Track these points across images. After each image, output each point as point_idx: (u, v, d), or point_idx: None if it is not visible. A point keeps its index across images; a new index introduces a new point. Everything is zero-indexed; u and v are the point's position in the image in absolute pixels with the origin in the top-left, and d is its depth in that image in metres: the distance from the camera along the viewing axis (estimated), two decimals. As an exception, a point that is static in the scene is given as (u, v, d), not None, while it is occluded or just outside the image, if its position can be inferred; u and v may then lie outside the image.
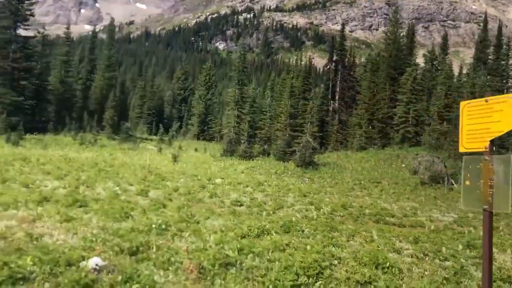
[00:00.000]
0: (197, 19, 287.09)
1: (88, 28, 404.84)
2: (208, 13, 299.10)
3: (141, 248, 6.19)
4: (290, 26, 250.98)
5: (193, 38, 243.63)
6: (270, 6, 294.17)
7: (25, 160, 21.45)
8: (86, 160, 24.33)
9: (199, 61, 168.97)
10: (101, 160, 24.98)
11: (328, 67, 54.91)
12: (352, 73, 54.54)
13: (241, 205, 15.56)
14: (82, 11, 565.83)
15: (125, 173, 20.67)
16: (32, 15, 46.75)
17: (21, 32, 46.12)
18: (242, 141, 39.94)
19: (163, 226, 7.78)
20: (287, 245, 7.10)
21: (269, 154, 39.37)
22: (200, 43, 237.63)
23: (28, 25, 46.31)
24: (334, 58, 53.48)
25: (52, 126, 46.29)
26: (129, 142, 45.30)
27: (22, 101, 42.68)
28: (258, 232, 8.24)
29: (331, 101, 52.03)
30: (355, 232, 10.49)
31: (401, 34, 51.09)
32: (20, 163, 20.53)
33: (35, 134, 40.89)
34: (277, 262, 6.00)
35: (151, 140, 54.32)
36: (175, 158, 32.29)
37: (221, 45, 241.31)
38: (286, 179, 26.02)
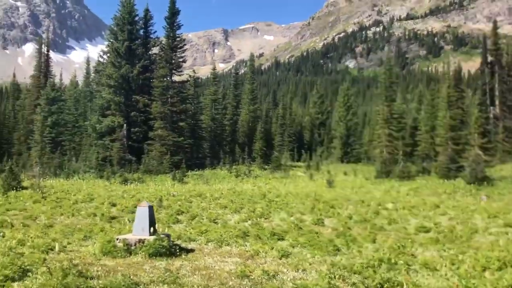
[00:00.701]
0: (324, 41, 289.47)
1: (222, 66, 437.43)
2: (334, 34, 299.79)
3: (385, 285, 5.91)
4: (425, 32, 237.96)
5: (322, 61, 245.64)
6: (400, 16, 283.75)
7: (201, 196, 23.23)
8: (252, 192, 25.44)
9: (330, 83, 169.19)
10: (266, 191, 25.88)
11: (482, 70, 49.92)
12: (512, 73, 48.68)
13: (427, 231, 14.51)
14: (216, 51, 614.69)
15: (293, 203, 21.03)
16: (184, 61, 51.54)
17: (175, 78, 51.20)
18: (397, 161, 37.98)
19: (392, 260, 7.41)
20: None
21: (430, 172, 36.64)
22: (329, 64, 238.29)
23: (180, 71, 51.12)
24: (489, 59, 48.47)
25: (208, 162, 49.64)
26: (279, 171, 46.54)
27: (182, 141, 46.73)
28: (499, 264, 7.38)
29: (491, 107, 46.95)
30: None
31: None
32: (197, 199, 22.31)
33: (196, 171, 44.10)
34: None
35: (298, 166, 55.08)
36: (330, 184, 32.05)
37: (351, 63, 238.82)
38: (460, 199, 23.76)
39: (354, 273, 6.57)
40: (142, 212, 9.18)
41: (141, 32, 50.22)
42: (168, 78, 48.63)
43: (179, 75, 51.25)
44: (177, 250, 8.96)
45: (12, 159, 44.13)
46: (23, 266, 7.32)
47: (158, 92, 46.33)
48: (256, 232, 12.27)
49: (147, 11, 50.40)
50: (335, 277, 6.35)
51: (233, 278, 6.77)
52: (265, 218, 16.74)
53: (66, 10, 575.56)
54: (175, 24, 48.31)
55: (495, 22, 52.15)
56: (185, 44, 51.51)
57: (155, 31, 53.60)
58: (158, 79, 47.41)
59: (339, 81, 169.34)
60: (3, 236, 10.92)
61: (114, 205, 19.17)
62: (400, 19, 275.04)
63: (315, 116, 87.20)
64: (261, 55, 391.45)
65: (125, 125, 45.74)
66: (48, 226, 13.48)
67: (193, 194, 23.78)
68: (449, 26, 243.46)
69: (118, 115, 45.83)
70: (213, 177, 40.67)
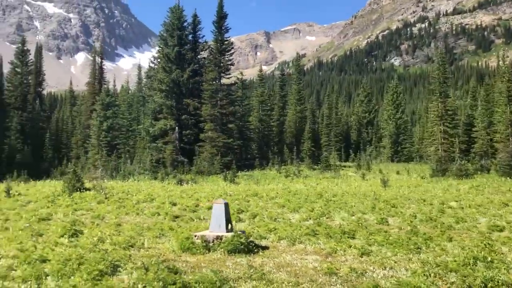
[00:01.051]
0: (368, 40, 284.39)
1: (265, 68, 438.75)
2: (378, 31, 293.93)
3: (489, 285, 5.66)
4: (474, 27, 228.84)
5: (366, 59, 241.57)
6: (446, 11, 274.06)
7: (257, 195, 23.29)
8: (307, 191, 25.27)
9: (375, 81, 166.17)
10: (321, 190, 25.64)
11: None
12: None
13: (500, 230, 13.86)
14: (258, 54, 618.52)
15: (351, 202, 20.69)
16: (232, 64, 52.02)
17: (223, 81, 51.75)
18: (453, 159, 36.57)
19: (488, 258, 7.11)
20: None
21: (489, 170, 35.07)
22: (374, 63, 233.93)
23: (228, 74, 51.63)
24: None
25: (257, 162, 49.83)
26: (329, 171, 45.96)
27: (231, 142, 47.22)
28: None
29: (553, 101, 44.38)
30: None
31: None
32: (253, 198, 22.39)
33: (245, 171, 44.36)
34: None
35: (347, 166, 54.26)
36: (384, 183, 31.34)
37: (396, 61, 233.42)
38: (528, 197, 22.56)
39: (450, 271, 6.33)
40: (218, 209, 9.31)
41: (190, 37, 51.12)
42: (217, 81, 49.19)
43: (227, 78, 51.75)
44: (254, 247, 9.00)
45: (71, 162, 46.18)
46: (113, 262, 7.58)
47: (207, 95, 46.98)
48: (325, 230, 12.15)
49: (195, 16, 51.34)
50: (430, 275, 6.15)
51: (320, 275, 6.71)
52: (326, 217, 16.52)
53: (115, 20, 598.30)
54: (223, 28, 48.88)
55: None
56: (232, 47, 52.02)
57: (203, 36, 54.51)
58: (207, 82, 48.06)
59: (384, 79, 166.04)
60: (82, 234, 11.38)
61: (174, 204, 19.55)
62: (446, 14, 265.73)
63: (362, 115, 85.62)
64: (303, 55, 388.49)
65: (177, 127, 46.67)
66: (117, 225, 13.89)
67: (248, 194, 23.88)
68: (500, 18, 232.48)
69: (170, 118, 46.85)
70: (263, 178, 40.68)
